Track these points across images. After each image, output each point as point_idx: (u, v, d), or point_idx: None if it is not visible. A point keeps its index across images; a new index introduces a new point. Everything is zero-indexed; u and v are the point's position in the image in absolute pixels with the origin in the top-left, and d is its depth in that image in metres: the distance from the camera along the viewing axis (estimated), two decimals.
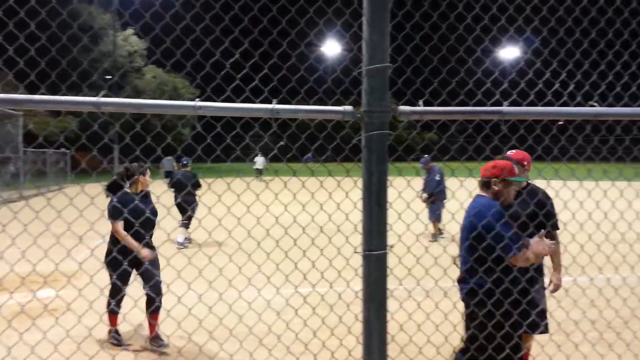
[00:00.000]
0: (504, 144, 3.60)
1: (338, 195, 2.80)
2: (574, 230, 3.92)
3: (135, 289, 5.03)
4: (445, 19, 3.10)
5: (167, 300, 4.92)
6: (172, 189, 10.50)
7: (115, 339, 5.19)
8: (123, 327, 5.38)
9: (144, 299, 5.02)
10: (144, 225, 4.85)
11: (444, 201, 11.21)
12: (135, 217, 4.83)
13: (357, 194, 2.31)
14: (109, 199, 5.10)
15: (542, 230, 3.46)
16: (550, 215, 3.96)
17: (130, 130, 2.57)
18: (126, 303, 5.07)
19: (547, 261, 4.01)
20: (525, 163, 4.05)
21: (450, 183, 7.69)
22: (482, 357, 3.28)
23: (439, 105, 2.38)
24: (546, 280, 4.15)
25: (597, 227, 3.69)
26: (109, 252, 4.91)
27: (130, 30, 42.23)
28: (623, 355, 4.56)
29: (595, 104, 2.48)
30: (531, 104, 2.83)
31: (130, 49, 44.40)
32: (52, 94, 2.09)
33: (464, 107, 2.36)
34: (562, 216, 4.10)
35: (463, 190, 3.42)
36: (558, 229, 4.17)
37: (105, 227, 4.68)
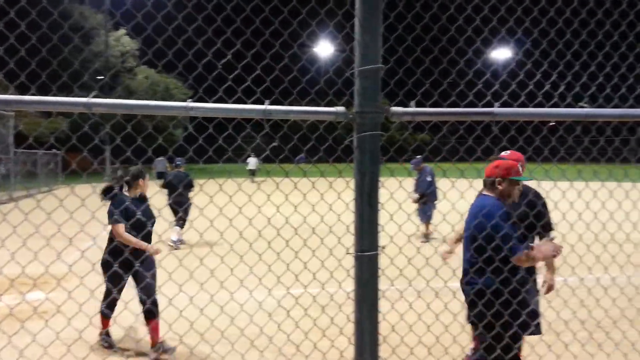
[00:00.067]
0: (495, 145, 3.62)
1: (330, 196, 2.80)
2: (564, 231, 3.95)
3: (127, 291, 5.00)
4: (437, 20, 3.11)
5: (158, 302, 4.90)
6: (166, 189, 10.48)
7: (106, 342, 5.16)
8: (114, 330, 5.34)
9: (135, 300, 4.98)
10: (144, 228, 4.81)
11: (435, 202, 11.25)
12: (136, 219, 4.78)
13: (349, 195, 2.31)
14: (102, 201, 5.03)
15: (550, 234, 3.48)
16: (542, 215, 3.98)
17: (121, 131, 2.56)
18: (118, 305, 5.04)
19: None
20: (520, 164, 4.08)
21: (442, 184, 7.72)
22: (492, 356, 3.30)
23: (430, 106, 2.38)
24: (539, 280, 4.17)
25: (587, 228, 3.71)
26: (105, 262, 4.84)
27: (122, 31, 41.99)
28: (612, 355, 4.59)
29: (586, 105, 2.50)
30: (522, 105, 2.86)
31: (122, 50, 44.18)
32: (43, 94, 2.08)
33: (456, 108, 2.37)
34: (552, 216, 4.12)
35: (454, 191, 3.43)
36: (552, 229, 4.19)
37: (96, 228, 4.64)
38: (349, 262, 2.22)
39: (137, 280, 4.92)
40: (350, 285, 2.22)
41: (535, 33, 3.49)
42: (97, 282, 3.31)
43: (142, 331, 5.24)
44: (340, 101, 2.54)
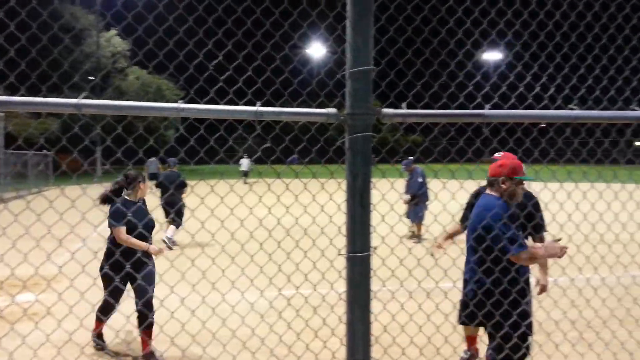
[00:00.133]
0: (485, 147, 3.64)
1: (322, 197, 2.81)
2: (554, 231, 3.97)
3: (125, 298, 4.97)
4: (428, 22, 3.12)
5: (154, 317, 4.86)
6: (158, 189, 10.46)
7: (98, 343, 5.12)
8: (105, 331, 5.31)
9: (125, 302, 4.95)
10: (145, 231, 4.77)
11: (427, 203, 11.29)
12: (137, 222, 4.73)
13: (341, 196, 2.32)
14: (101, 205, 4.95)
15: (557, 235, 3.52)
16: (532, 216, 4.00)
17: (112, 132, 2.55)
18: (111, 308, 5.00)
19: None
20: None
21: (433, 185, 7.75)
22: (501, 355, 3.34)
23: (422, 107, 2.39)
24: (532, 280, 4.20)
25: (577, 229, 3.75)
26: (105, 275, 4.77)
27: (113, 31, 41.78)
28: (602, 354, 4.63)
29: (575, 107, 2.52)
30: (512, 107, 2.87)
31: (113, 50, 43.96)
32: (33, 95, 2.06)
33: (447, 110, 2.39)
34: (544, 217, 4.15)
35: (445, 192, 3.45)
36: (545, 230, 4.22)
37: (86, 230, 4.61)
38: (341, 263, 2.22)
39: (137, 293, 4.84)
40: (342, 286, 2.22)
41: (526, 36, 3.52)
42: (88, 284, 3.29)
43: (134, 333, 5.21)
44: (332, 103, 2.54)
